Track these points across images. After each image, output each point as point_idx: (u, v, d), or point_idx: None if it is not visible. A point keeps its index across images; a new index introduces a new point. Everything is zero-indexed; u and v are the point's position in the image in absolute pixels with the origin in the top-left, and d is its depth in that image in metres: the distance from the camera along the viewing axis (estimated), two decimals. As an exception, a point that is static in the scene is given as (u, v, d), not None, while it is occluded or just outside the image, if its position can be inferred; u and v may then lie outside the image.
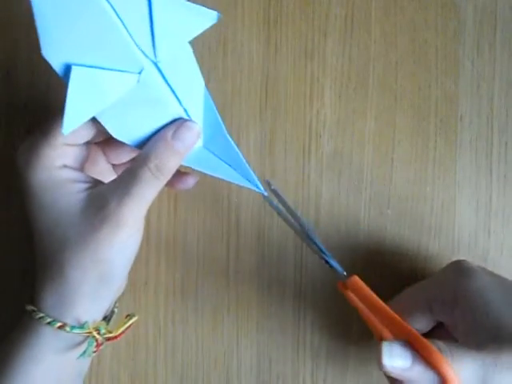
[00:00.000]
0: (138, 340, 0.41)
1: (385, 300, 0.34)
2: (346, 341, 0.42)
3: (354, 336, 0.42)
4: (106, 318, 0.36)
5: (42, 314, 0.33)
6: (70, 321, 0.33)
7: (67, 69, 0.30)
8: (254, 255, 0.42)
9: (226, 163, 0.35)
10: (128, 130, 0.33)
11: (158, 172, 0.32)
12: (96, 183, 0.34)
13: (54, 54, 0.30)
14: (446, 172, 0.42)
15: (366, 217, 0.42)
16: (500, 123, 0.42)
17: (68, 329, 0.33)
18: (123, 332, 0.36)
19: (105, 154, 0.38)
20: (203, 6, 0.32)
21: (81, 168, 0.35)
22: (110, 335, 0.35)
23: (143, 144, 0.34)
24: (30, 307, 0.34)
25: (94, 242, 0.32)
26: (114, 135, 0.33)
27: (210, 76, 0.42)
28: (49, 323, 0.33)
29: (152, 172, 0.32)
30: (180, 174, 0.37)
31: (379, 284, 0.41)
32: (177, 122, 0.33)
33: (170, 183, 0.37)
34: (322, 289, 0.42)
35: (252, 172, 0.35)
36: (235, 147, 0.35)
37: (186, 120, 0.34)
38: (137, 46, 0.31)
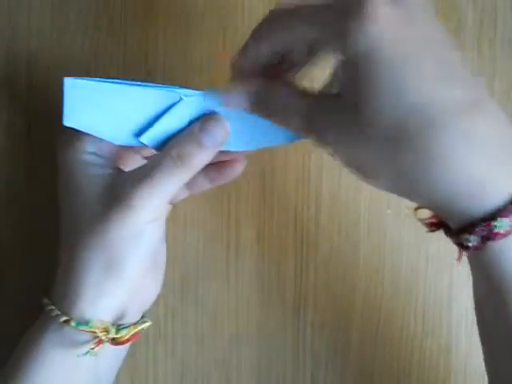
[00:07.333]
0: (137, 340, 0.41)
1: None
2: (346, 341, 0.42)
3: (354, 336, 0.42)
4: (121, 326, 0.34)
5: (52, 307, 0.33)
6: (74, 315, 0.33)
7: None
8: (254, 255, 0.42)
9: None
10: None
11: (178, 159, 0.32)
12: (120, 172, 0.34)
13: (76, 123, 0.32)
14: (447, 172, 0.42)
15: (365, 216, 0.42)
16: (500, 123, 0.42)
17: (73, 323, 0.32)
18: (134, 336, 0.35)
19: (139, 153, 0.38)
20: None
21: (112, 161, 0.35)
22: (116, 336, 0.33)
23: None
24: (45, 300, 0.34)
25: (103, 223, 0.32)
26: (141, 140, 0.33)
27: (210, 76, 0.42)
28: (55, 317, 0.33)
29: (173, 159, 0.32)
30: (224, 161, 0.37)
31: (379, 283, 0.41)
32: (204, 116, 0.33)
33: (218, 173, 0.37)
34: (323, 289, 0.42)
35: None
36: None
37: (213, 113, 0.33)
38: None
